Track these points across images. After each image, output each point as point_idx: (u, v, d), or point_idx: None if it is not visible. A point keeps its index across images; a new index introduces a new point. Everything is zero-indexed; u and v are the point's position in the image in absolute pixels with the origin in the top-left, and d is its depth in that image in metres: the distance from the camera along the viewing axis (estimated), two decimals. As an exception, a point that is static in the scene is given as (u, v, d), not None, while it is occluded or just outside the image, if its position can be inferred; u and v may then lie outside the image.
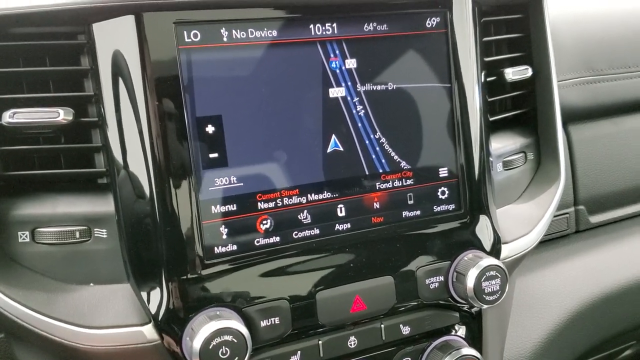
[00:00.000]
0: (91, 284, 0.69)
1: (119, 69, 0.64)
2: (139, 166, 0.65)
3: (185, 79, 0.64)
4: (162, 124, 0.64)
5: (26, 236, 0.68)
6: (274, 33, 0.68)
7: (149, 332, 0.66)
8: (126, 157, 0.66)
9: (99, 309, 0.67)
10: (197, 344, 0.62)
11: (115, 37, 0.64)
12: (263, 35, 0.67)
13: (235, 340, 0.63)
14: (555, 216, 0.92)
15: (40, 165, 0.69)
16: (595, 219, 1.13)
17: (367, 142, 0.73)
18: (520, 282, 0.99)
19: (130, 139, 0.65)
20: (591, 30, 1.13)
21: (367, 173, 0.73)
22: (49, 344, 0.67)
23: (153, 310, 0.66)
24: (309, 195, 0.71)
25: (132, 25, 0.63)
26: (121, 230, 0.67)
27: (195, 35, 0.65)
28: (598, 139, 1.13)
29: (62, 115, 0.65)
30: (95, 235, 0.68)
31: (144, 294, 0.67)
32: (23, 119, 0.65)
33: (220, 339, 0.62)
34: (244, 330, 0.63)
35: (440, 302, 0.78)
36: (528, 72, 0.91)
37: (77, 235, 0.68)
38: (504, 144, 0.90)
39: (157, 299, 0.66)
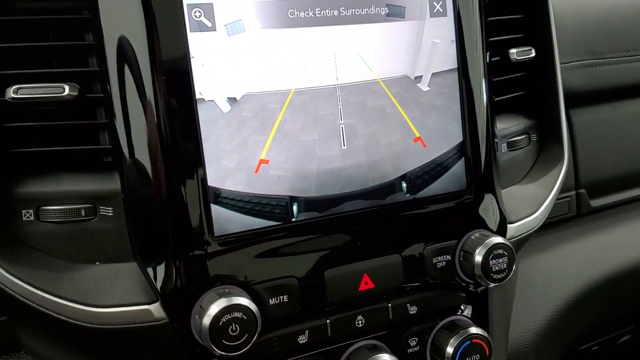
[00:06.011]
0: (97, 263, 0.68)
1: (124, 43, 0.63)
2: (144, 143, 0.64)
3: (193, 52, 0.63)
4: (169, 99, 0.63)
5: (30, 214, 0.66)
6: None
7: (156, 310, 0.65)
8: (131, 133, 0.65)
9: (105, 287, 0.66)
10: (206, 320, 0.61)
11: (120, 11, 0.63)
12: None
13: (245, 317, 0.62)
14: (556, 200, 0.92)
15: (44, 143, 0.67)
16: (596, 202, 1.13)
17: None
18: (523, 264, 0.99)
19: (135, 115, 0.64)
20: (592, 13, 1.13)
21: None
22: (53, 324, 0.66)
23: (160, 288, 0.65)
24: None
25: (138, -1, 0.62)
26: (127, 207, 0.66)
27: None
28: (598, 123, 1.13)
29: (67, 90, 0.64)
30: (101, 213, 0.67)
31: (150, 272, 0.66)
32: (27, 94, 0.64)
33: (230, 315, 0.61)
34: (253, 307, 0.63)
35: (447, 281, 0.78)
36: (532, 52, 0.91)
37: (83, 213, 0.67)
38: (508, 125, 0.90)
39: (164, 277, 0.65)
